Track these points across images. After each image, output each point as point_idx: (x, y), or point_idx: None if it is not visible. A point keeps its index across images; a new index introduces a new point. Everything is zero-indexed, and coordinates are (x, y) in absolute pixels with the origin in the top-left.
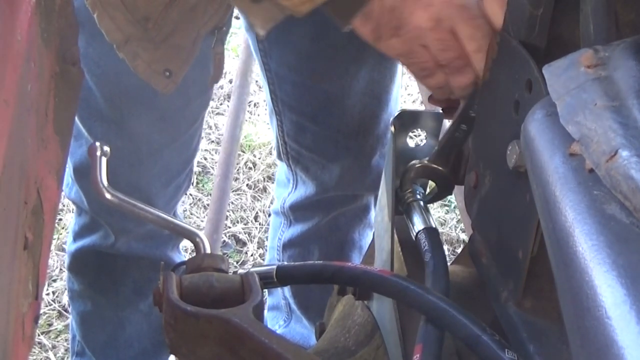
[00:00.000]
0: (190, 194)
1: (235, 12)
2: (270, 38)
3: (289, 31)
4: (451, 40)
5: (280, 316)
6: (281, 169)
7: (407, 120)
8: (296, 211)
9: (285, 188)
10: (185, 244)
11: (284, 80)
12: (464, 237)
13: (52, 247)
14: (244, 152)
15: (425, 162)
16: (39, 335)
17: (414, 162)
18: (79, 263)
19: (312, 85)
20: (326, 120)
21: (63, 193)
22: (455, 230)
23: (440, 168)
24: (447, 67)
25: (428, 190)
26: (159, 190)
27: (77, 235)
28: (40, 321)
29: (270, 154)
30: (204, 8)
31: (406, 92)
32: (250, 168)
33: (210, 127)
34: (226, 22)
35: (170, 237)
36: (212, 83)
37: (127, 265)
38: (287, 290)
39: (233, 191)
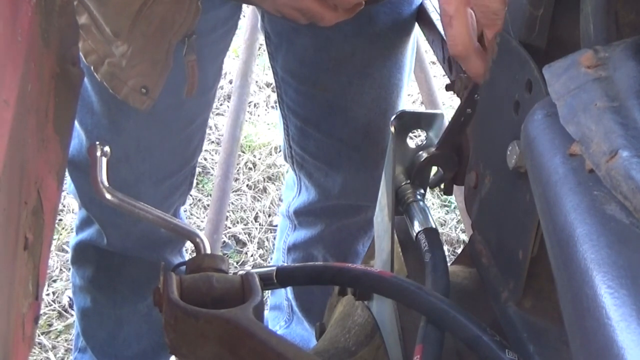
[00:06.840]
0: (190, 194)
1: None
2: (275, 43)
3: (292, 41)
4: None
5: (281, 316)
6: (291, 172)
7: (407, 120)
8: (300, 216)
9: (292, 191)
10: (186, 244)
11: (288, 86)
12: (464, 237)
13: (52, 248)
14: (244, 152)
15: (433, 151)
16: (39, 336)
17: (421, 155)
18: (79, 256)
19: (314, 93)
20: (329, 129)
21: (63, 193)
22: (455, 230)
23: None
24: None
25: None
26: (148, 188)
27: (78, 229)
28: (40, 321)
29: (271, 155)
30: (172, 18)
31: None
32: (250, 168)
33: (210, 128)
34: (195, 30)
35: (170, 240)
36: (189, 93)
37: (123, 263)
38: (289, 291)
39: (233, 191)
